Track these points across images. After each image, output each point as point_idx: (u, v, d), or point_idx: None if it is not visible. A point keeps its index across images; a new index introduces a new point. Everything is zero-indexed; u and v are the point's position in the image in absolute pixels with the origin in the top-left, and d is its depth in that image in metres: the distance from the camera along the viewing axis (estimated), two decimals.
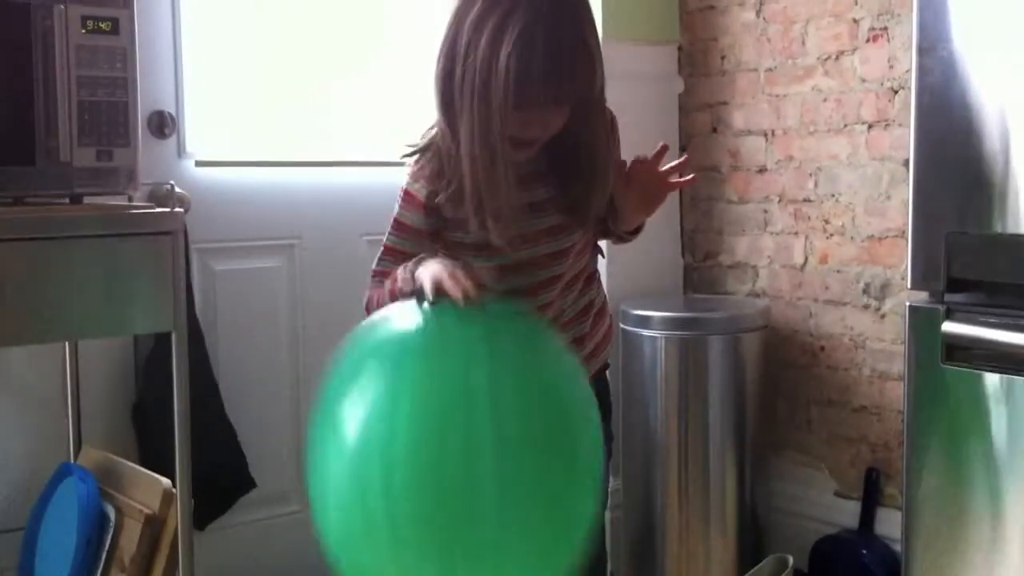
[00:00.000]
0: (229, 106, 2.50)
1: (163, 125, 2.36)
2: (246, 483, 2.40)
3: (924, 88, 1.80)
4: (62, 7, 1.81)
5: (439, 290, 1.32)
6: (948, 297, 1.80)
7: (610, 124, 1.59)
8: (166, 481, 2.01)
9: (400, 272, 1.43)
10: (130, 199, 1.98)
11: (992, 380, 1.75)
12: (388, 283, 1.46)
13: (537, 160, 1.52)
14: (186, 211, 2.11)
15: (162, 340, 2.16)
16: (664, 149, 1.56)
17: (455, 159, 1.46)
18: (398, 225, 1.55)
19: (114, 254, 1.83)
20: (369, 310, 1.51)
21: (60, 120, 1.81)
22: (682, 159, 1.60)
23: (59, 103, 1.81)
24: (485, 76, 1.37)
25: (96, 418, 2.27)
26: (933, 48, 1.78)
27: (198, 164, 2.41)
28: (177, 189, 2.12)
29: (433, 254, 1.48)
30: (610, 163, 1.55)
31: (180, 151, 2.39)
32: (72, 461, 2.19)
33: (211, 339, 2.39)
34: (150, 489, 2.03)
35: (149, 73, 2.22)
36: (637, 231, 1.67)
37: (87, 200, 1.90)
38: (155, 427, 2.22)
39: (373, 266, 1.56)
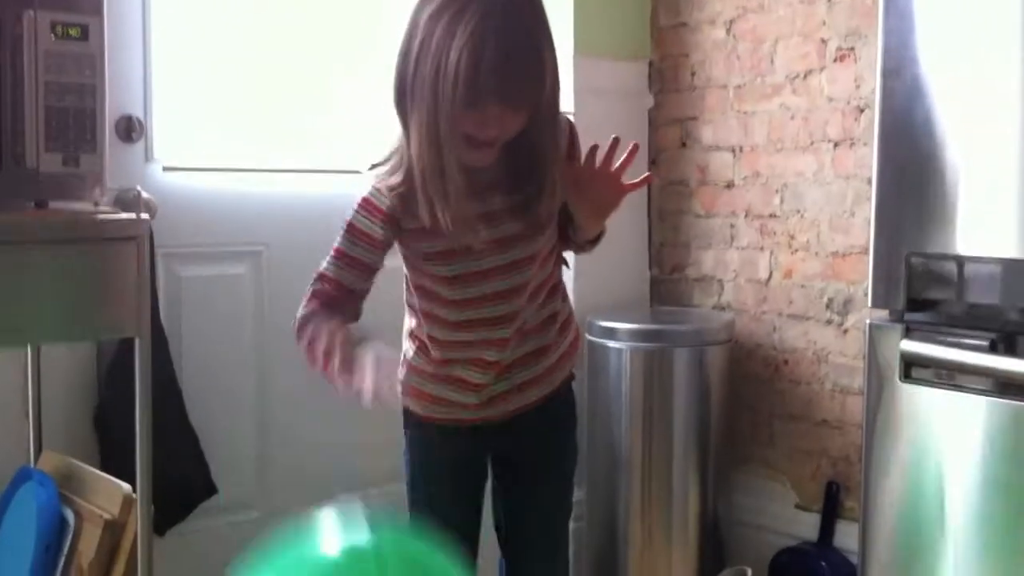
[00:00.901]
0: (198, 112, 2.49)
1: (131, 130, 2.35)
2: (207, 489, 2.39)
3: (888, 110, 1.83)
4: (32, 13, 1.79)
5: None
6: (907, 316, 1.83)
7: (567, 132, 1.60)
8: (126, 486, 1.99)
9: (330, 341, 1.43)
10: (96, 204, 1.96)
11: (949, 398, 1.78)
12: (323, 340, 1.45)
13: (495, 169, 1.54)
14: (152, 216, 2.10)
15: (125, 345, 2.15)
16: (615, 143, 1.53)
17: (410, 161, 1.48)
18: (351, 229, 1.57)
19: (78, 260, 1.82)
20: (302, 333, 1.52)
21: (27, 126, 1.79)
22: (630, 148, 1.55)
23: (26, 109, 1.79)
24: (435, 73, 1.40)
25: (57, 422, 2.25)
26: (897, 72, 1.81)
27: (165, 169, 2.40)
28: (143, 194, 2.11)
29: (354, 318, 1.52)
30: (558, 169, 1.55)
31: (148, 156, 2.38)
32: (32, 465, 2.17)
33: (175, 344, 2.38)
34: (110, 494, 2.02)
35: (118, 78, 2.21)
36: (596, 241, 1.68)
37: (52, 205, 1.89)
38: (117, 432, 2.21)
39: (320, 267, 1.58)
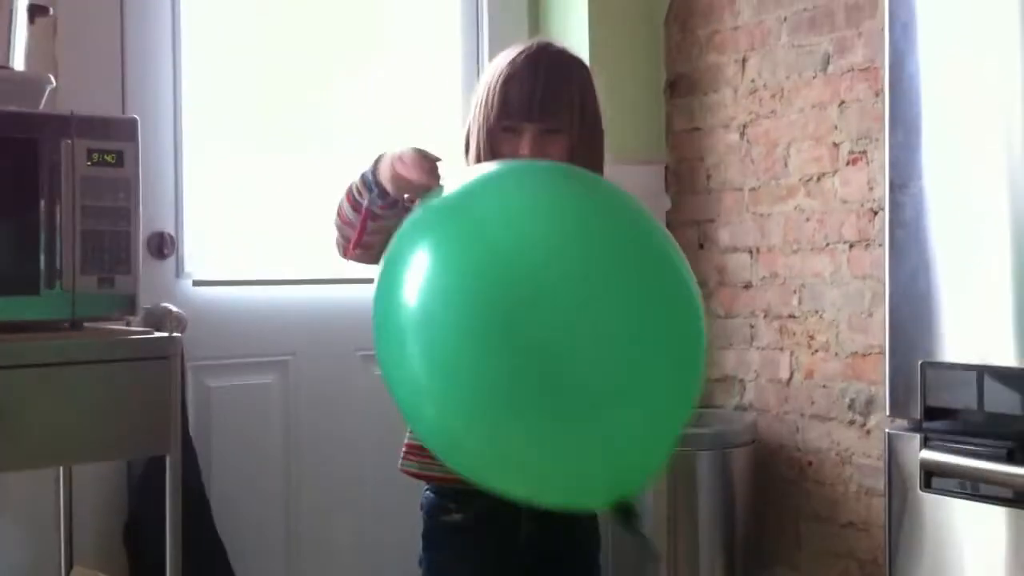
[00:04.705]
0: (227, 225, 2.57)
1: (162, 246, 2.43)
2: None
3: (897, 223, 1.87)
4: (69, 141, 1.87)
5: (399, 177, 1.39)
6: (926, 424, 1.84)
7: None
8: None
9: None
10: (128, 324, 2.02)
11: (970, 507, 1.78)
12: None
13: None
14: (183, 331, 2.16)
15: (155, 458, 2.18)
16: None
17: None
18: None
19: (112, 379, 1.86)
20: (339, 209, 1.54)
21: (64, 250, 1.87)
22: None
23: (63, 233, 1.87)
24: (482, 101, 1.57)
25: (88, 536, 2.28)
26: (905, 185, 1.85)
27: (196, 284, 2.46)
28: (174, 309, 2.17)
29: None
30: None
31: (179, 271, 2.45)
32: None
33: (204, 454, 2.42)
34: None
35: (150, 195, 2.28)
36: None
37: (87, 325, 1.95)
38: (147, 547, 2.23)
39: None
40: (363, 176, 1.46)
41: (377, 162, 1.45)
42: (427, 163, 1.39)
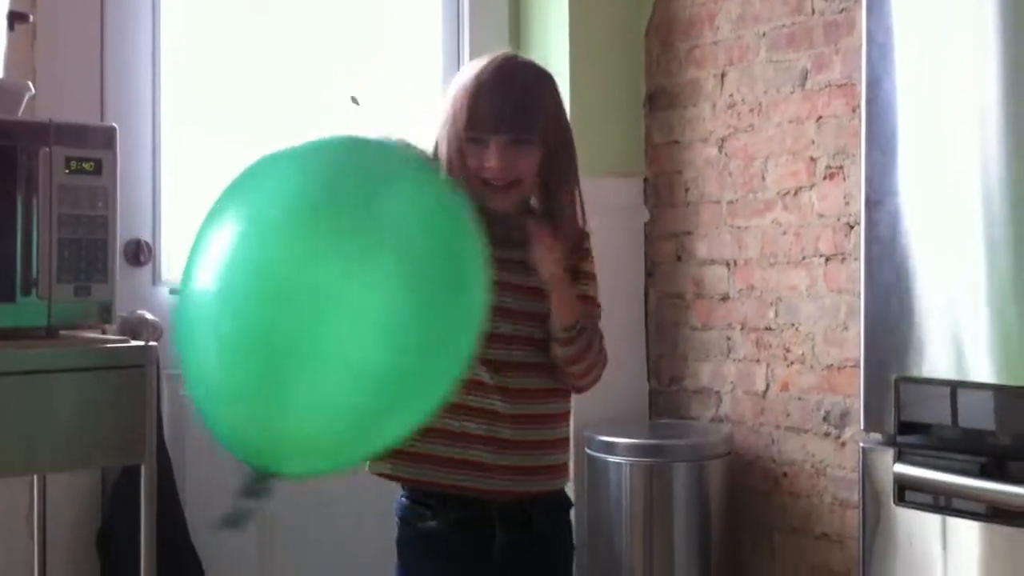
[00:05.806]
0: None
1: (139, 253, 2.42)
2: None
3: (872, 239, 1.88)
4: (47, 149, 1.87)
5: None
6: (900, 439, 1.85)
7: (581, 236, 1.74)
8: None
9: None
10: (103, 332, 2.01)
11: (943, 522, 1.80)
12: None
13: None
14: (158, 340, 2.15)
15: (130, 467, 2.17)
16: None
17: None
18: None
19: (87, 388, 1.86)
20: None
21: (41, 257, 1.86)
22: None
23: (40, 241, 1.86)
24: (449, 112, 1.62)
25: (61, 544, 2.26)
26: (881, 202, 1.87)
27: (172, 291, 2.45)
28: (150, 317, 2.16)
29: None
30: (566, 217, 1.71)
31: (155, 278, 2.44)
32: None
33: (178, 465, 2.41)
34: None
35: (127, 202, 2.27)
36: (570, 339, 1.66)
37: (63, 333, 1.94)
38: (120, 555, 2.22)
39: None
40: None
41: None
42: None
